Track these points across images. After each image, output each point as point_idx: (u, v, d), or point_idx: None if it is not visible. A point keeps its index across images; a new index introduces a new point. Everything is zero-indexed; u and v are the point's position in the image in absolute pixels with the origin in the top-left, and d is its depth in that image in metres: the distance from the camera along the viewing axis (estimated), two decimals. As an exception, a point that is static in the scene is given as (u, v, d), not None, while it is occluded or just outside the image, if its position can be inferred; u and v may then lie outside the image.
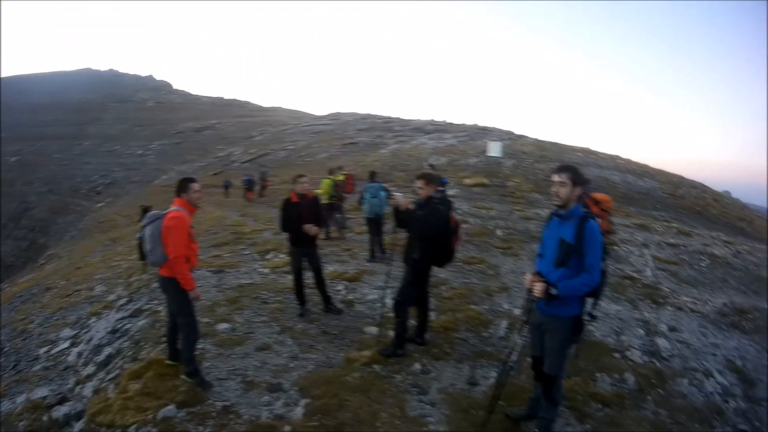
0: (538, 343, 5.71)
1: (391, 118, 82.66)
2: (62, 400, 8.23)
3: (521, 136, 58.35)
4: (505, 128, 68.01)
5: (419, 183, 7.78)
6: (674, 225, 22.05)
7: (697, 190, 36.64)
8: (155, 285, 11.68)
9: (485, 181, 27.23)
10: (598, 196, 10.16)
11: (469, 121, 74.61)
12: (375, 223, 14.33)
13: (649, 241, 17.70)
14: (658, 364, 8.29)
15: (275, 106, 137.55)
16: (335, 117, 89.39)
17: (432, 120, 76.21)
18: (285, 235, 9.97)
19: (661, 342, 9.10)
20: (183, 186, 7.14)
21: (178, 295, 7.07)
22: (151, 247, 6.93)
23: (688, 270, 14.83)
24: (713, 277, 14.18)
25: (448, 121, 75.51)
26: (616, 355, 8.45)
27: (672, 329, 9.81)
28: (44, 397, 8.38)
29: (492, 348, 8.48)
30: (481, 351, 8.34)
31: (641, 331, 9.58)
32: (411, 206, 7.73)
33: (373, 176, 15.28)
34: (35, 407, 8.13)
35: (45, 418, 7.85)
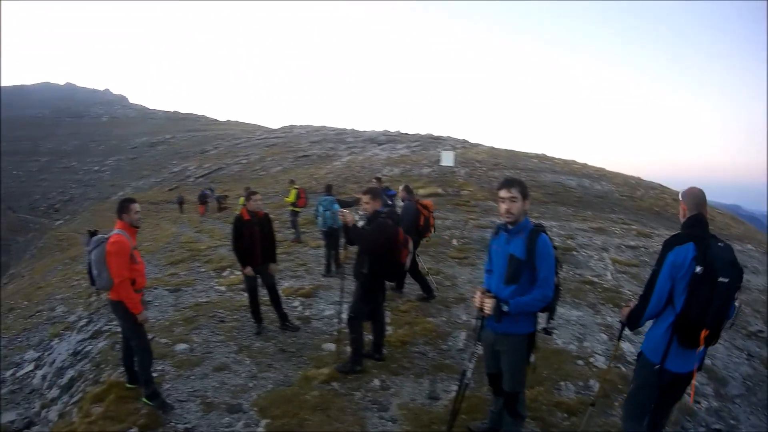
0: (492, 361, 5.57)
1: (345, 129, 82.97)
2: (29, 425, 8.25)
3: (476, 144, 58.59)
4: (459, 137, 68.26)
5: (365, 198, 7.77)
6: (633, 227, 22.10)
7: (656, 191, 36.89)
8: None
9: (439, 190, 27.27)
10: (425, 201, 12.01)
11: (422, 131, 74.80)
12: (330, 237, 14.24)
13: (608, 245, 17.69)
14: (623, 368, 8.20)
15: (229, 119, 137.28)
16: (288, 130, 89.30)
17: (385, 130, 76.40)
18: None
19: (625, 346, 9.00)
20: (123, 207, 7.10)
21: (127, 318, 7.04)
22: (97, 272, 6.92)
23: (650, 271, 14.75)
24: (675, 278, 14.10)
25: (402, 131, 75.58)
26: (580, 362, 8.38)
27: (635, 332, 9.77)
28: (12, 422, 8.40)
29: (451, 360, 8.40)
30: (441, 364, 8.27)
31: (604, 336, 9.53)
32: (358, 222, 7.68)
33: (329, 189, 15.40)
34: (3, 432, 8.00)
35: (14, 442, 7.78)
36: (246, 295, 10.10)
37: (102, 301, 12.81)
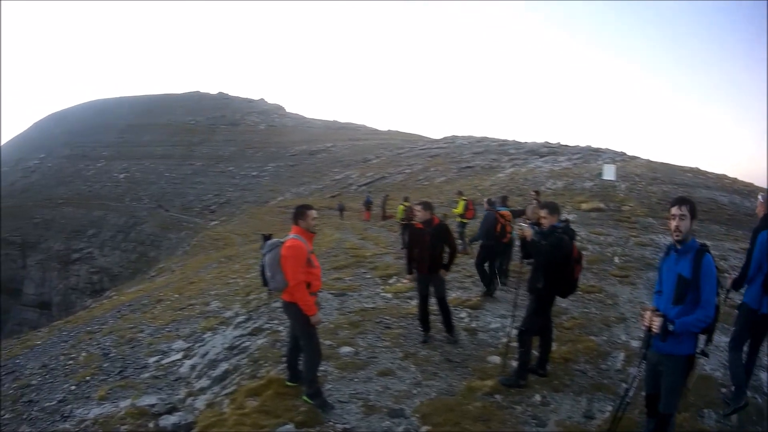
0: (652, 381, 5.72)
1: (506, 140, 79.71)
2: (171, 410, 8.49)
3: (633, 157, 56.40)
4: (617, 149, 65.77)
5: (543, 212, 7.94)
6: (784, 249, 20.97)
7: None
8: (275, 305, 12.06)
9: (601, 205, 26.41)
10: (503, 212, 14.13)
11: (581, 142, 72.16)
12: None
13: (759, 268, 16.83)
14: (759, 399, 7.98)
15: (390, 129, 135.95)
16: (450, 140, 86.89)
17: (546, 142, 73.29)
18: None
19: (765, 376, 8.64)
20: (300, 214, 7.46)
21: (299, 318, 7.36)
22: (271, 274, 7.28)
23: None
24: (822, 305, 13.52)
25: (561, 142, 72.75)
26: (724, 390, 8.17)
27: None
28: (152, 405, 8.70)
29: (609, 381, 8.37)
30: (599, 384, 8.24)
31: (749, 365, 9.37)
32: (536, 237, 7.81)
33: (504, 201, 15.40)
34: (141, 413, 8.42)
35: (151, 425, 8.15)
36: (413, 303, 10.31)
37: (262, 300, 13.43)
